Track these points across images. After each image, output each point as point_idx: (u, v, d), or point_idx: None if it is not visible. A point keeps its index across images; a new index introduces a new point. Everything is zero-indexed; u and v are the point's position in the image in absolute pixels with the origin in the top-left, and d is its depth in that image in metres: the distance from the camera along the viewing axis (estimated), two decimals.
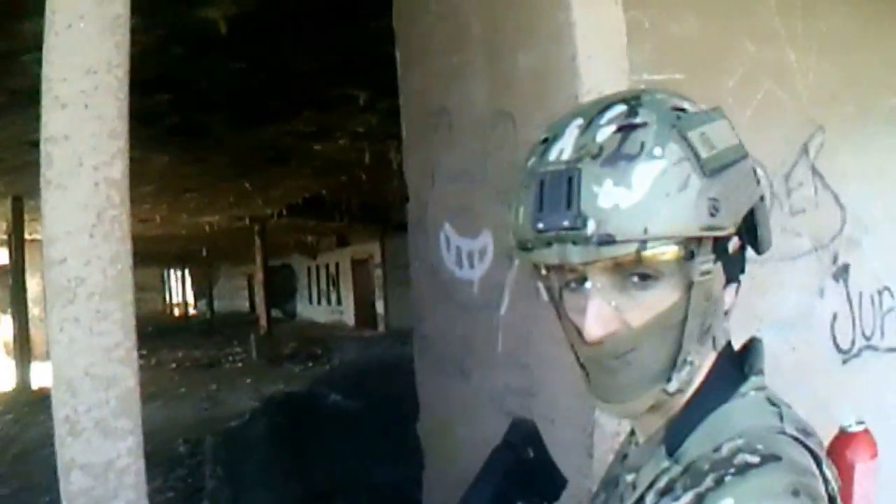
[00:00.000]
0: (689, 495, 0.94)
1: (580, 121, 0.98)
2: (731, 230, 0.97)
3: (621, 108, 0.97)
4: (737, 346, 1.13)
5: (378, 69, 8.23)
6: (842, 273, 3.68)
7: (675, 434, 1.02)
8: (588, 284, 0.98)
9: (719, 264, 0.99)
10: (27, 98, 8.51)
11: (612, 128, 0.95)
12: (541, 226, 0.95)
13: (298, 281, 41.56)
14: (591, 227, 0.91)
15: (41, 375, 17.57)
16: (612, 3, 2.91)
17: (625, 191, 0.91)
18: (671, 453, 1.01)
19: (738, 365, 1.09)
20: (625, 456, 1.16)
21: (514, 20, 3.31)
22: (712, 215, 0.92)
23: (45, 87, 2.57)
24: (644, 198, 0.91)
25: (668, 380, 1.00)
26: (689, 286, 0.96)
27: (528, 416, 1.38)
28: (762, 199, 1.03)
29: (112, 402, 2.58)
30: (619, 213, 0.91)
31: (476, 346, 3.70)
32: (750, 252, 1.08)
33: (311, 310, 38.99)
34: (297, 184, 16.76)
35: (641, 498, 1.02)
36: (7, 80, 8.35)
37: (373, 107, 9.93)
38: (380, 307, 29.17)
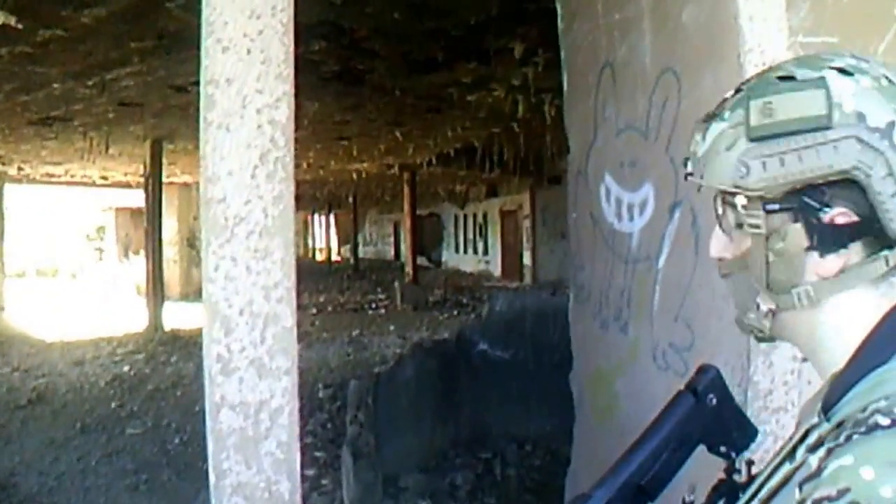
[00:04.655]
0: (823, 450, 0.97)
1: None
2: (766, 194, 1.09)
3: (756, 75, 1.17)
4: None
5: (536, 22, 8.22)
6: None
7: (833, 392, 1.06)
8: None
9: (799, 226, 1.09)
10: (171, 44, 8.87)
11: (732, 92, 1.16)
12: None
13: (445, 230, 41.88)
14: (689, 166, 1.19)
15: (173, 316, 18.17)
16: None
17: (701, 142, 1.16)
18: (826, 411, 1.04)
19: None
20: None
21: None
22: (741, 176, 1.10)
23: (205, 30, 2.56)
24: (707, 150, 1.14)
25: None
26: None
27: (685, 368, 1.40)
28: (868, 176, 1.04)
29: (269, 340, 2.59)
30: (696, 159, 1.17)
31: (634, 298, 3.75)
32: None
33: (457, 258, 39.30)
34: (450, 134, 16.79)
35: (793, 451, 1.07)
36: (151, 26, 8.42)
37: (529, 59, 9.84)
38: (527, 258, 29.25)
